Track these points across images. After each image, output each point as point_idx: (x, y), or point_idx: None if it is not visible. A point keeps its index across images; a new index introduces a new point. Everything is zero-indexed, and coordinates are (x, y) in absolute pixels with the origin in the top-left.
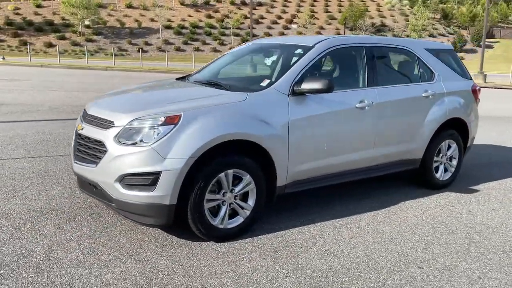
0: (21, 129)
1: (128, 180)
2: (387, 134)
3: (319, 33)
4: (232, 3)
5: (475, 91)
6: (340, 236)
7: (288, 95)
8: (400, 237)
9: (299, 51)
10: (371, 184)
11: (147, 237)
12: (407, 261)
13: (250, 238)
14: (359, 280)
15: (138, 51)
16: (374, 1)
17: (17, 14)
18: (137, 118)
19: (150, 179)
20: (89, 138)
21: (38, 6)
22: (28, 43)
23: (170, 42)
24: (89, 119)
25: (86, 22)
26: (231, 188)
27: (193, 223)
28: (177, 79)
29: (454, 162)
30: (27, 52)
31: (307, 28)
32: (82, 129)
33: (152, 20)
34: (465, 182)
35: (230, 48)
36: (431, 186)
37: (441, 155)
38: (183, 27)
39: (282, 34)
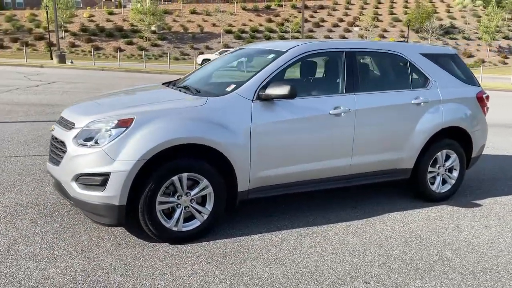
0: None
1: (83, 179)
2: (369, 142)
3: (381, 36)
4: (294, 7)
5: (481, 99)
6: (299, 245)
7: (252, 100)
8: (363, 250)
9: (272, 56)
10: (366, 193)
11: (108, 236)
12: (356, 275)
13: (206, 242)
14: None
15: (201, 54)
16: (444, 2)
17: (91, 21)
18: (94, 120)
19: (101, 180)
20: (56, 139)
21: (110, 13)
22: (92, 48)
23: (230, 46)
24: (60, 121)
25: (152, 28)
26: (186, 191)
27: (145, 224)
28: (163, 83)
29: (455, 174)
30: (97, 56)
31: (369, 30)
32: (52, 130)
33: (214, 25)
34: (470, 195)
35: None
36: (426, 198)
37: (437, 165)
38: (243, 32)
39: (343, 37)
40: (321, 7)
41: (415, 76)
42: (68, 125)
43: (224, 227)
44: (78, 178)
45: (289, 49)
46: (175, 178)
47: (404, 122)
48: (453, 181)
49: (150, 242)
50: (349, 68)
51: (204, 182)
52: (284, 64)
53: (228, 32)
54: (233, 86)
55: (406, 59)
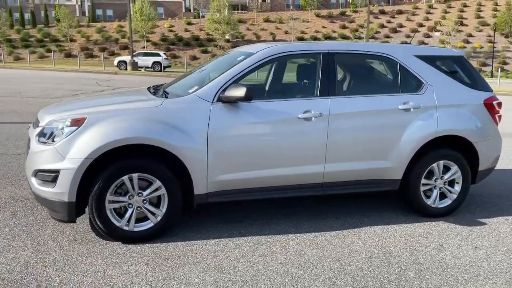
0: None
1: (40, 175)
2: (346, 149)
3: (465, 41)
4: (371, 12)
5: (490, 105)
6: (251, 252)
7: (212, 102)
8: (316, 263)
9: (241, 58)
10: (355, 203)
11: (70, 231)
12: None
13: (158, 244)
14: None
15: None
16: None
17: (171, 31)
18: (52, 119)
19: (52, 176)
20: (28, 137)
21: (189, 23)
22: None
23: None
24: (34, 120)
25: (226, 37)
26: (138, 191)
27: (95, 222)
28: (148, 87)
29: (456, 188)
30: (174, 64)
31: (451, 35)
32: (28, 128)
33: (286, 32)
34: (477, 212)
35: None
36: (421, 213)
37: (434, 178)
38: (315, 38)
39: (422, 43)
40: (400, 12)
41: (406, 79)
42: (36, 123)
43: (185, 230)
44: (36, 173)
45: (259, 51)
46: (125, 178)
47: (390, 129)
48: (455, 196)
49: (105, 240)
50: (324, 71)
51: (157, 183)
52: (251, 66)
53: (300, 39)
54: (195, 88)
55: (396, 61)
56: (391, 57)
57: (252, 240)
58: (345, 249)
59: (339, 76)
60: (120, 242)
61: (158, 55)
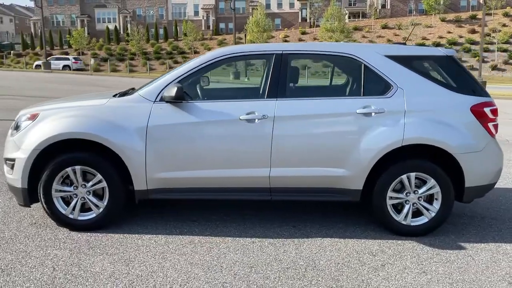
0: None
1: (6, 163)
2: (293, 154)
3: None
4: (506, 15)
5: (479, 112)
6: (172, 250)
7: (154, 101)
8: (225, 266)
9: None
10: (331, 212)
11: (38, 215)
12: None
13: (97, 233)
14: None
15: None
16: None
17: (286, 41)
18: (21, 114)
19: (11, 164)
20: None
21: (303, 33)
22: None
23: None
24: None
25: None
26: (82, 183)
27: (43, 208)
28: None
29: (435, 205)
30: None
31: None
32: None
33: (404, 38)
34: (465, 234)
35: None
36: (391, 229)
37: (405, 192)
38: (438, 44)
39: None
40: None
41: (370, 81)
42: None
43: (134, 223)
44: (5, 161)
45: (214, 52)
46: (69, 169)
47: (345, 135)
48: (433, 214)
49: (60, 226)
50: (275, 72)
51: (98, 176)
52: (198, 66)
53: (420, 45)
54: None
55: (361, 62)
56: (355, 58)
57: (185, 239)
58: (269, 257)
59: (293, 77)
60: (67, 229)
61: (68, 59)
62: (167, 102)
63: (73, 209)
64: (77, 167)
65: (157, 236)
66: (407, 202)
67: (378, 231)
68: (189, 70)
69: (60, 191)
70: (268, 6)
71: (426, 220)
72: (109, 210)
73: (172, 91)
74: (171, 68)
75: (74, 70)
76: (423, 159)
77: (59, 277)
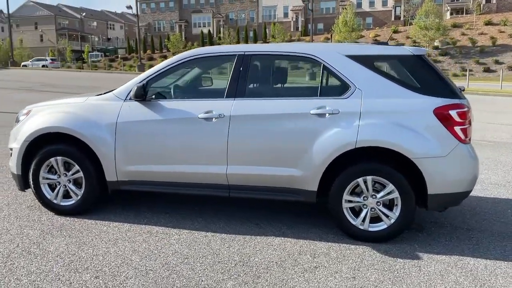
0: None
1: (10, 152)
2: (249, 152)
3: None
4: None
5: (443, 115)
6: (127, 240)
7: (124, 100)
8: (147, 257)
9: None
10: (309, 211)
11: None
12: (90, 266)
13: (74, 218)
14: None
15: (486, 71)
16: None
17: (376, 40)
18: (21, 111)
19: (11, 153)
20: None
21: (395, 31)
22: None
23: None
24: None
25: (435, 43)
26: (63, 172)
27: (34, 193)
28: None
29: (396, 211)
30: None
31: None
32: None
33: (510, 35)
34: (428, 244)
35: None
36: (348, 233)
37: (363, 195)
38: None
39: None
40: None
41: (329, 82)
42: None
43: (110, 211)
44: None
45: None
46: (52, 159)
47: (298, 135)
48: (392, 221)
49: (49, 211)
50: (235, 73)
51: (76, 167)
52: (166, 67)
53: None
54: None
55: (321, 62)
56: (314, 58)
57: (146, 228)
58: (209, 251)
59: (254, 78)
60: (53, 213)
61: (45, 59)
62: (138, 100)
63: (57, 195)
64: (59, 158)
65: (123, 224)
66: (365, 206)
67: (341, 234)
68: (157, 71)
69: (46, 178)
70: (359, 5)
71: (385, 226)
72: (85, 198)
73: (133, 90)
74: None
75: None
76: (384, 162)
77: (16, 252)
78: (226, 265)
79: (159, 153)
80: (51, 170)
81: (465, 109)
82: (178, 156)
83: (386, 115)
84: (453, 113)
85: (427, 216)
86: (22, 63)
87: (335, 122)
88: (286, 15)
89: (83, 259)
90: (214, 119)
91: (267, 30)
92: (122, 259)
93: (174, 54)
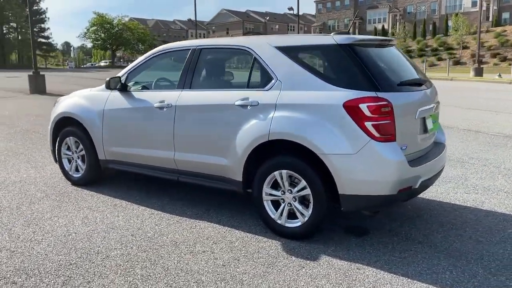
0: None
1: None
2: (189, 140)
3: None
4: None
5: (353, 109)
6: (96, 211)
7: (111, 90)
8: (99, 229)
9: None
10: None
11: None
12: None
13: (83, 189)
14: None
15: None
16: None
17: None
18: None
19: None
20: None
21: None
22: None
23: None
24: None
25: None
26: (74, 150)
27: (59, 165)
28: None
29: (309, 209)
30: None
31: None
32: None
33: None
34: (345, 246)
35: None
36: (268, 226)
37: (281, 190)
38: None
39: None
40: None
41: (257, 74)
42: None
43: (117, 187)
44: None
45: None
46: (67, 139)
47: (226, 125)
48: (305, 218)
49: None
50: (187, 66)
51: (81, 146)
52: (141, 61)
53: None
54: None
55: (253, 54)
56: (248, 50)
57: (123, 205)
58: (138, 229)
59: (199, 70)
60: (68, 182)
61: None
62: (120, 90)
63: (71, 168)
64: (71, 138)
65: (112, 199)
66: (283, 201)
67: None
68: (134, 66)
69: (65, 154)
70: None
71: (299, 223)
72: (87, 173)
73: (106, 82)
74: (433, 65)
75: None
76: (298, 157)
77: (20, 209)
78: (138, 243)
79: (127, 137)
80: (68, 147)
81: (379, 103)
82: (141, 141)
83: (297, 108)
84: (363, 106)
85: (389, 221)
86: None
87: (254, 114)
88: (474, 4)
89: (47, 220)
90: (165, 108)
91: (448, 22)
92: (69, 219)
93: None
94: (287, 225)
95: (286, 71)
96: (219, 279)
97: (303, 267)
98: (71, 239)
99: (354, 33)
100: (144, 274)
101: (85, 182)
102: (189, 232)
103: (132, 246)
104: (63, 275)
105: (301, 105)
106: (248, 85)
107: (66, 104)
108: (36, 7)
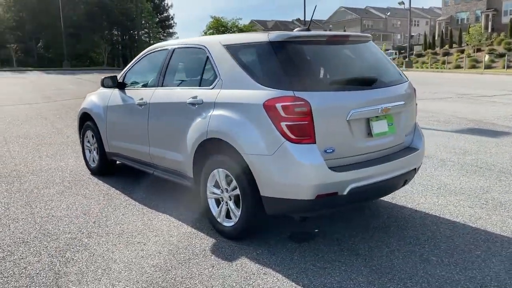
0: None
1: None
2: (156, 136)
3: None
4: None
5: (271, 108)
6: (75, 195)
7: (114, 88)
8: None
9: None
10: None
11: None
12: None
13: (87, 174)
14: None
15: None
16: None
17: None
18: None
19: None
20: None
21: None
22: None
23: None
24: None
25: None
26: (92, 142)
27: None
28: None
29: (240, 210)
30: None
31: None
32: None
33: None
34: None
35: None
36: (212, 225)
37: (220, 189)
38: None
39: None
40: None
41: (208, 72)
42: None
43: (122, 178)
44: None
45: None
46: (86, 132)
47: (180, 123)
48: (237, 219)
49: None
50: (163, 64)
51: (94, 139)
52: (136, 60)
53: None
54: None
55: (206, 53)
56: (203, 49)
57: (111, 193)
58: (96, 210)
59: (171, 69)
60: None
61: None
62: (117, 89)
63: (89, 158)
64: (89, 131)
65: (110, 189)
66: (222, 199)
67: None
68: (130, 65)
69: (87, 146)
70: None
71: (232, 223)
72: (99, 163)
73: (101, 81)
74: None
75: None
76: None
77: (32, 192)
78: (99, 225)
79: (118, 131)
80: (89, 140)
81: (294, 103)
82: (127, 135)
83: (229, 107)
84: (278, 106)
85: (348, 229)
86: None
87: (199, 112)
88: None
89: (43, 200)
90: (142, 106)
91: None
92: (56, 204)
93: (473, 47)
94: (225, 224)
95: (227, 70)
96: (126, 269)
97: (214, 266)
98: (44, 221)
99: (482, 26)
100: (70, 257)
101: (100, 172)
102: (144, 224)
103: (84, 232)
104: (8, 250)
105: (232, 104)
106: (200, 84)
107: (86, 100)
108: (166, 14)
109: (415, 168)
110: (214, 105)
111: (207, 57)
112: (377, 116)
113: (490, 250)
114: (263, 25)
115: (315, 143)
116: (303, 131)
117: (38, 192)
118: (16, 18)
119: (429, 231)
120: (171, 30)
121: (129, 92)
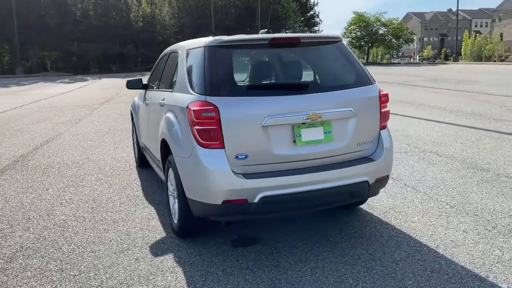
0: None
1: None
2: (150, 133)
3: None
4: None
5: (188, 113)
6: (74, 187)
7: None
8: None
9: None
10: None
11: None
12: None
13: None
14: None
15: None
16: None
17: None
18: None
19: None
20: None
21: None
22: None
23: None
24: None
25: None
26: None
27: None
28: None
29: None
30: None
31: None
32: None
33: None
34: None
35: None
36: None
37: (173, 186)
38: None
39: None
40: None
41: (174, 75)
42: None
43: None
44: None
45: None
46: (134, 128)
47: (155, 121)
48: (176, 218)
49: None
50: (165, 66)
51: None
52: (157, 61)
53: None
54: None
55: (177, 57)
56: (176, 54)
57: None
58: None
59: (166, 72)
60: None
61: None
62: (145, 89)
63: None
64: (135, 127)
65: (128, 183)
66: (174, 197)
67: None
68: (153, 68)
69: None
70: None
71: (175, 221)
72: (138, 156)
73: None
74: None
75: None
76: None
77: (64, 175)
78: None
79: (141, 129)
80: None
81: (202, 108)
82: (144, 133)
83: (171, 109)
84: (191, 110)
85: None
86: None
87: (162, 113)
88: None
89: (57, 188)
90: (147, 105)
91: None
92: (64, 190)
93: None
94: (174, 221)
95: (179, 73)
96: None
97: (139, 261)
98: (38, 208)
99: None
100: (23, 243)
101: (140, 165)
102: (120, 217)
103: (53, 226)
104: None
105: (173, 107)
106: (171, 86)
107: (134, 99)
108: (312, 12)
109: (367, 181)
110: (168, 107)
111: (177, 61)
112: (304, 123)
113: None
114: (420, 17)
115: (223, 148)
116: (210, 136)
117: (67, 180)
118: (179, 24)
119: (404, 247)
120: (316, 28)
121: (146, 93)
